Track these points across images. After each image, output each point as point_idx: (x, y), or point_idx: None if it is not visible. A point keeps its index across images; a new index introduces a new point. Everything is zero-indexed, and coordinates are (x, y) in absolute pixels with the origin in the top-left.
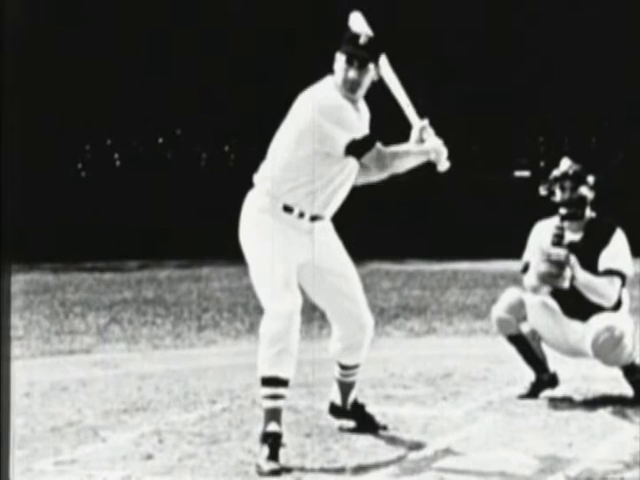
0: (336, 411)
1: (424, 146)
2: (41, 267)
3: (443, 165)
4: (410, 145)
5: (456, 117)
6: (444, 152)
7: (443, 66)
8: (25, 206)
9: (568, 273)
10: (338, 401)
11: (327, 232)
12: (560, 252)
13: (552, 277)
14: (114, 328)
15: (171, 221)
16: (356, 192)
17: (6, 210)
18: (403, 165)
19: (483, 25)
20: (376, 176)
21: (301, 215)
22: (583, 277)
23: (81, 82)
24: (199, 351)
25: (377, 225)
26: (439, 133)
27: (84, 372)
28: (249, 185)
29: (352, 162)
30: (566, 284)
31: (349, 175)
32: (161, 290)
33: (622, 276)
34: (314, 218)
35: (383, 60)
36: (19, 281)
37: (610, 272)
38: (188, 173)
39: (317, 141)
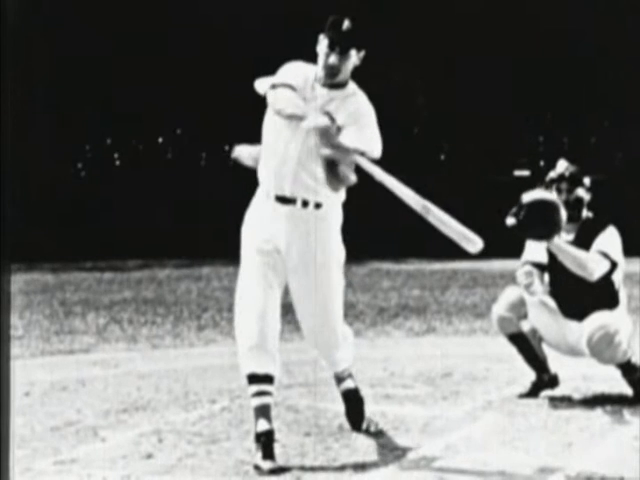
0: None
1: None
2: (41, 267)
3: (307, 123)
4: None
5: (456, 117)
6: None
7: (443, 65)
8: (25, 206)
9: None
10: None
11: (324, 249)
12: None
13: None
14: (114, 328)
15: (171, 221)
16: (357, 191)
17: (6, 210)
18: (277, 101)
19: (484, 24)
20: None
21: (268, 195)
22: (560, 241)
23: (81, 81)
24: (199, 350)
25: (377, 224)
26: (439, 132)
27: (84, 372)
28: (249, 184)
29: (300, 130)
30: (557, 227)
31: (297, 143)
32: (161, 290)
33: (608, 258)
34: (281, 199)
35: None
36: (19, 281)
37: (597, 252)
38: (188, 173)
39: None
